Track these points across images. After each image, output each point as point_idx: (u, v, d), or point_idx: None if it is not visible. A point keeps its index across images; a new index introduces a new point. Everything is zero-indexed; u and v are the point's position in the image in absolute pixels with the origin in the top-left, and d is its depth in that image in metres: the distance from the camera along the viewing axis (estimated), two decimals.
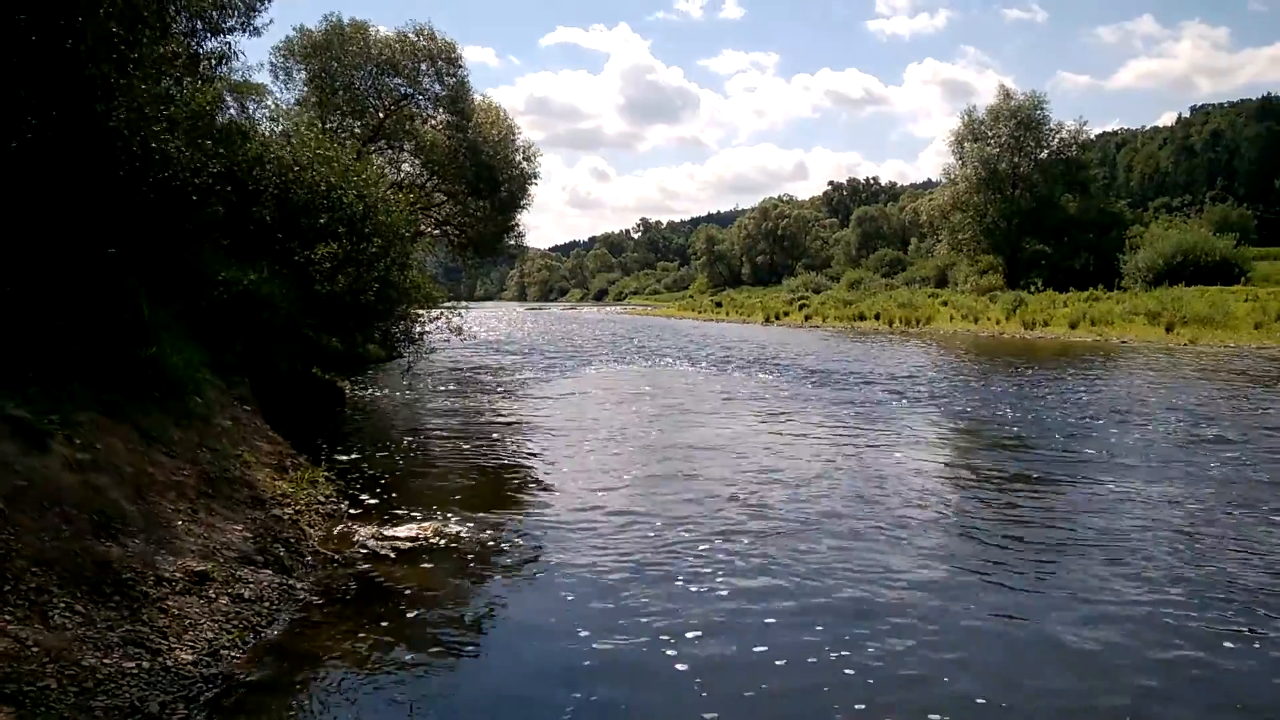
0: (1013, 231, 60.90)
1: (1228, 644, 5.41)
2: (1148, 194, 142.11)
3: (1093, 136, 69.65)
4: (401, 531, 7.49)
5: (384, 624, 5.74)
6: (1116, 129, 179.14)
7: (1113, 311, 36.54)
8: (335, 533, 7.57)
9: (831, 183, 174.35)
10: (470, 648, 5.51)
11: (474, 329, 38.98)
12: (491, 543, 7.41)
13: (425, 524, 7.71)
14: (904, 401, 16.17)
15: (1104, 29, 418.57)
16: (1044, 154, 62.10)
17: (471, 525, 7.81)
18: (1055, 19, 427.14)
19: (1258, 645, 5.39)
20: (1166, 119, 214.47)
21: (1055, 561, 7.01)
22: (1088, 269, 53.15)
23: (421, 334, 15.64)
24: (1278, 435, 12.28)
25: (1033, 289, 49.12)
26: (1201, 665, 5.14)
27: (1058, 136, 62.13)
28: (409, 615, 5.91)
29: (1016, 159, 61.79)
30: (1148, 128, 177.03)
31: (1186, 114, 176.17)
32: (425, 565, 6.82)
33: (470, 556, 7.05)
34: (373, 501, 8.66)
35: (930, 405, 15.74)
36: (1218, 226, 57.59)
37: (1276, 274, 52.04)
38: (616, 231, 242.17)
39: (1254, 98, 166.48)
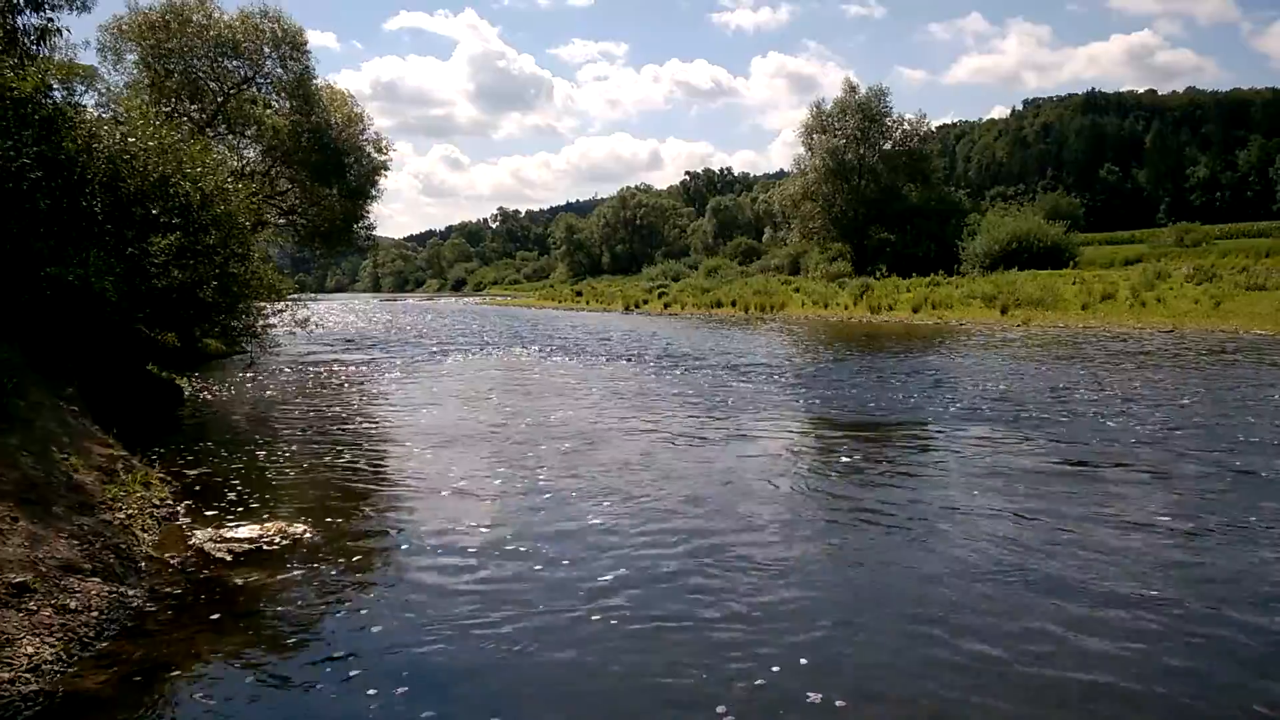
0: (859, 220, 63.16)
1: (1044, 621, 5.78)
2: (984, 183, 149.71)
3: (933, 129, 72.65)
4: (242, 533, 7.26)
5: (223, 629, 5.57)
6: (954, 121, 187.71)
7: (952, 296, 38.31)
8: (171, 537, 7.28)
9: (688, 172, 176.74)
10: (312, 652, 5.36)
11: (324, 321, 37.91)
12: (337, 543, 7.25)
13: (267, 525, 7.48)
14: (760, 385, 16.56)
15: (937, 25, 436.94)
16: (888, 145, 64.65)
17: (316, 525, 7.61)
18: (892, 15, 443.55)
19: (1063, 619, 5.77)
20: (998, 112, 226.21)
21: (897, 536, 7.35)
22: (929, 255, 55.52)
23: (265, 328, 15.12)
24: (1082, 409, 13.12)
25: (878, 275, 51.08)
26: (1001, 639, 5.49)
27: (900, 129, 64.83)
28: (249, 619, 5.75)
29: (862, 150, 64.08)
30: (984, 120, 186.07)
31: (1019, 107, 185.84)
32: (267, 567, 6.62)
33: (315, 557, 6.87)
34: (211, 503, 8.35)
35: (784, 389, 16.16)
36: (1049, 214, 61.03)
37: (1101, 258, 55.62)
38: (474, 220, 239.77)
39: (1079, 92, 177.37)
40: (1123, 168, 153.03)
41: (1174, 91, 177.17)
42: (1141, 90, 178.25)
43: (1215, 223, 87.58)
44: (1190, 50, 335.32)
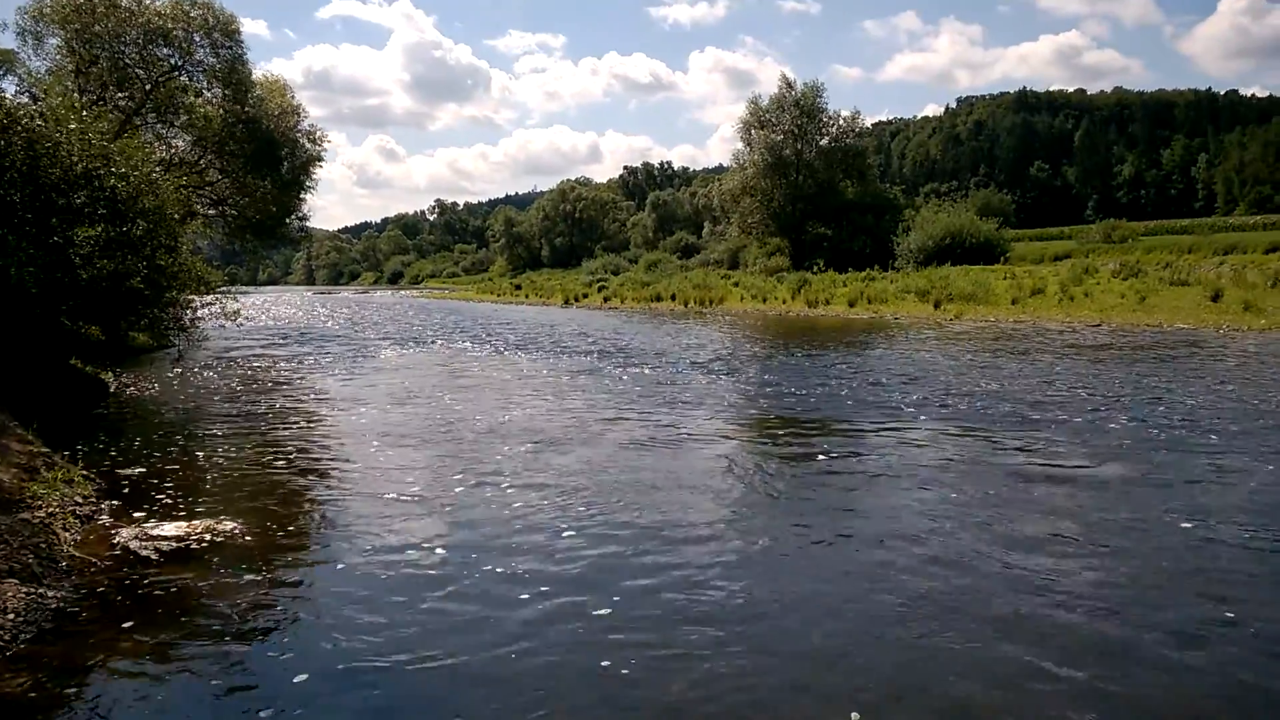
0: (797, 215, 63.79)
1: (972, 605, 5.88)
2: (919, 179, 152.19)
3: (868, 126, 73.73)
4: (169, 531, 7.07)
5: (146, 632, 5.42)
6: (890, 119, 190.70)
7: (887, 290, 38.81)
8: (94, 536, 7.07)
9: (626, 167, 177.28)
10: (242, 653, 5.23)
11: (256, 315, 37.22)
12: (269, 540, 7.11)
13: (195, 522, 7.31)
14: (708, 381, 16.61)
15: (871, 23, 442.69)
16: (825, 141, 65.37)
17: (247, 523, 7.45)
18: (828, 12, 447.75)
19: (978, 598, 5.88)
20: (932, 110, 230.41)
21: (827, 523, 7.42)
22: (865, 250, 56.33)
23: (193, 321, 14.77)
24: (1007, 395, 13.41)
25: (816, 269, 51.59)
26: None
27: (836, 125, 65.62)
28: (176, 619, 5.60)
29: (800, 146, 64.70)
30: (918, 117, 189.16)
31: (953, 105, 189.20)
32: (195, 565, 6.47)
33: (245, 555, 6.73)
34: (137, 501, 8.12)
35: (733, 385, 16.22)
36: (981, 210, 62.27)
37: (1031, 254, 56.87)
38: (411, 213, 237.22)
39: (1011, 91, 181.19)
40: (1053, 165, 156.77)
41: (1102, 91, 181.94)
42: (1071, 90, 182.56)
43: (1141, 220, 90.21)
44: (1116, 51, 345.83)
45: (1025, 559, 6.45)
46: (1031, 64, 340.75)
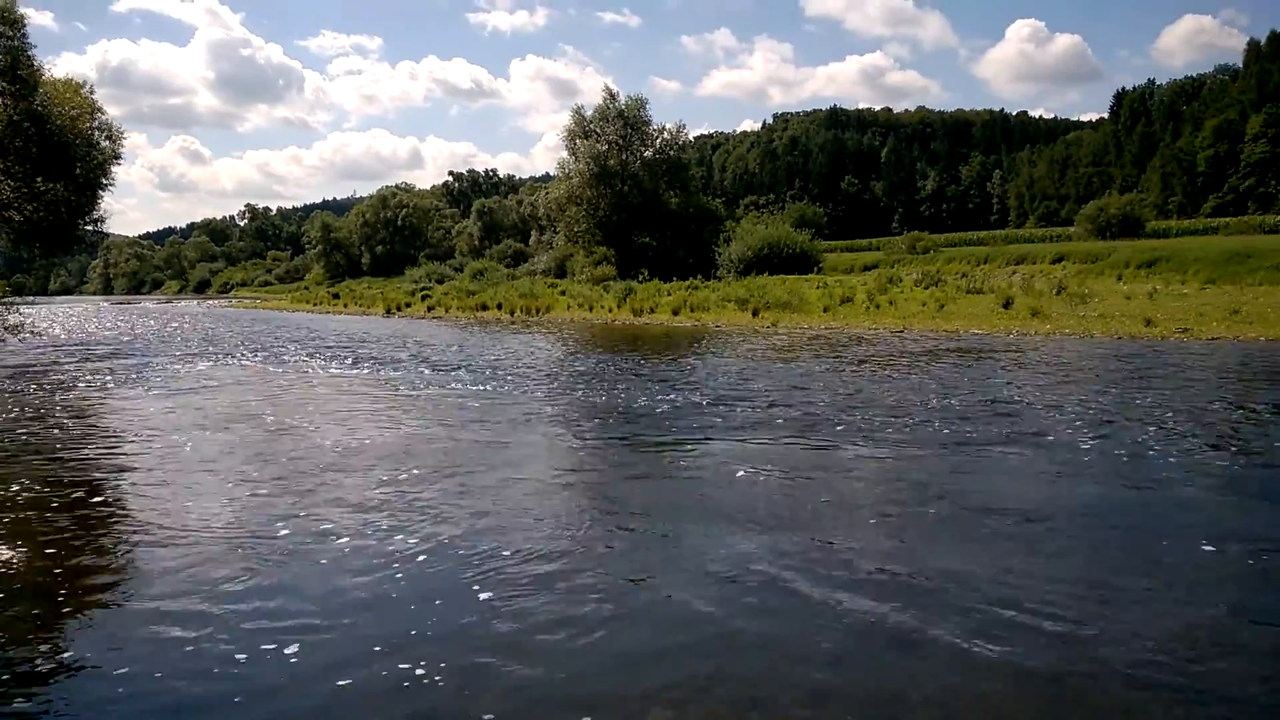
0: (623, 225, 64.64)
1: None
2: (739, 192, 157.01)
3: (691, 139, 75.58)
4: None
5: None
6: (711, 132, 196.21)
7: (709, 299, 39.74)
8: None
9: (451, 173, 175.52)
10: (26, 693, 4.84)
11: (46, 326, 34.65)
12: (54, 569, 6.59)
13: None
14: (536, 393, 16.52)
15: (689, 39, 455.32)
16: (649, 153, 66.59)
17: (27, 551, 6.90)
18: (646, 25, 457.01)
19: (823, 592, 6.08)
20: (748, 125, 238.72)
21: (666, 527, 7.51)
22: (688, 260, 57.72)
23: None
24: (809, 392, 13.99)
25: (641, 278, 52.37)
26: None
27: (660, 137, 66.93)
28: None
29: (625, 156, 65.65)
30: (737, 132, 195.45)
31: (769, 120, 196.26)
32: None
33: (28, 586, 6.23)
34: None
35: (560, 395, 16.20)
36: (796, 222, 64.94)
37: (843, 264, 59.82)
38: (220, 218, 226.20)
39: (822, 108, 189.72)
40: (861, 179, 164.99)
41: (906, 110, 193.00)
42: (878, 108, 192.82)
43: (942, 232, 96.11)
44: (917, 72, 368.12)
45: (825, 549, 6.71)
46: (840, 83, 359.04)
